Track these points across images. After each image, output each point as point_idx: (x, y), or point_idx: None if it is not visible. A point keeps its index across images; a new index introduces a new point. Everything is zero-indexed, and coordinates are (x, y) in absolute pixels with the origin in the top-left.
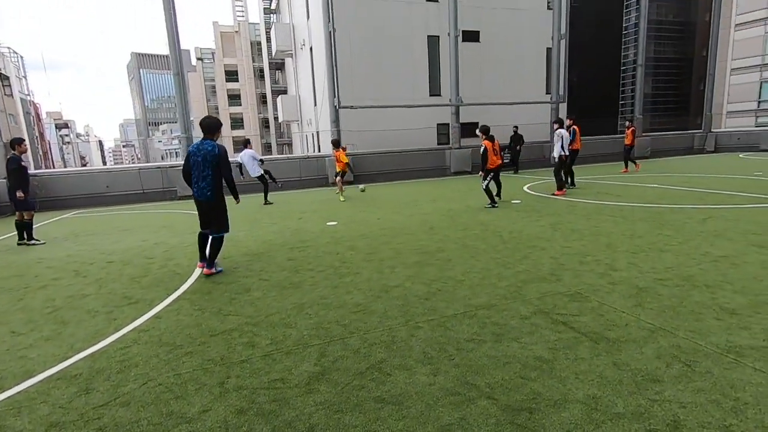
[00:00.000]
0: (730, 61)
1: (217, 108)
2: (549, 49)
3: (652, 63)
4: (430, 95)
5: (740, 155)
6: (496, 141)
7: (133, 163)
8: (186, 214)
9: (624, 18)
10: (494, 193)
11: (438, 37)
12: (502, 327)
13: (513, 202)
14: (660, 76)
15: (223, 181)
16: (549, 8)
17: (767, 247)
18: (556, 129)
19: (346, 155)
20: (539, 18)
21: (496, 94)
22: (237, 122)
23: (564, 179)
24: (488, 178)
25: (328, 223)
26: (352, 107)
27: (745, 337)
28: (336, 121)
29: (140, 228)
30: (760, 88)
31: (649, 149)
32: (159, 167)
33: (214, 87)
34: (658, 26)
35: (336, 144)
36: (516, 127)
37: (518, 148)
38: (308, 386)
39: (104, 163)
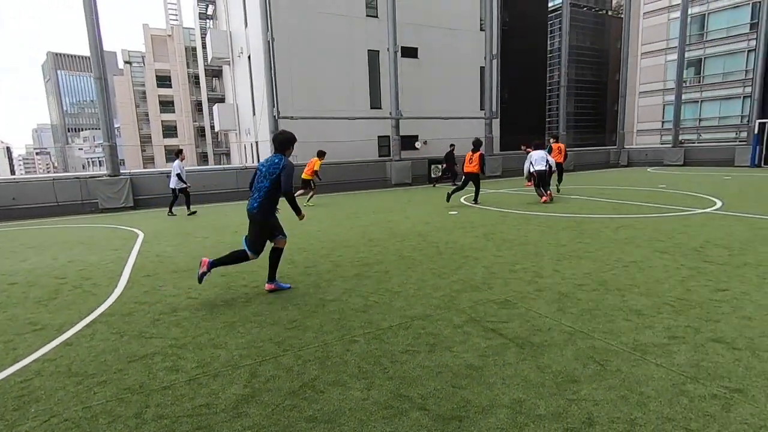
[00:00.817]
0: (639, 85)
1: (147, 115)
2: (482, 68)
3: (573, 84)
4: (371, 108)
5: (648, 170)
6: (478, 152)
7: (48, 171)
8: (109, 229)
9: (549, 42)
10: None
11: (378, 51)
12: (436, 337)
13: (450, 213)
14: (581, 96)
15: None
16: (482, 29)
17: (668, 253)
18: (526, 151)
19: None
20: (473, 38)
21: (435, 108)
22: (170, 130)
23: (544, 185)
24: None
25: None
26: (291, 118)
27: (649, 335)
28: (275, 131)
29: (52, 245)
30: (663, 110)
31: (572, 163)
32: (77, 177)
33: (144, 92)
34: (579, 51)
35: (321, 155)
36: (452, 145)
37: (453, 164)
38: (236, 410)
39: (12, 172)
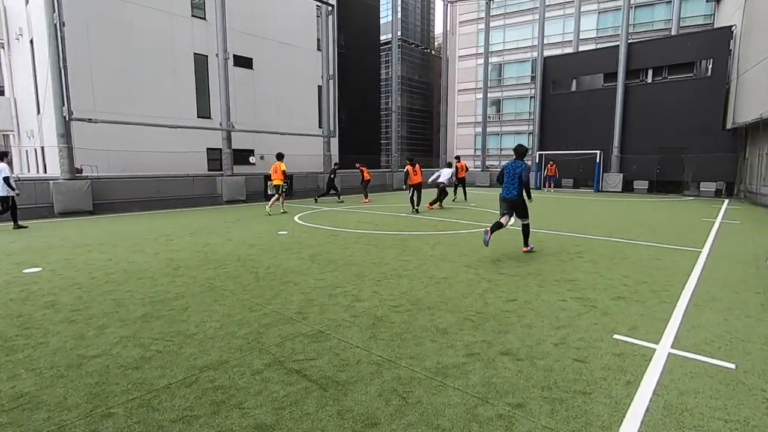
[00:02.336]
0: (456, 117)
1: None
2: (320, 87)
3: (406, 111)
4: (198, 117)
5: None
6: (417, 165)
7: None
8: None
9: (384, 72)
10: (414, 204)
11: (206, 56)
12: (226, 391)
13: (279, 233)
14: (412, 122)
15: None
16: (319, 49)
17: (473, 267)
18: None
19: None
20: (310, 56)
21: (271, 123)
22: None
23: (440, 196)
24: (411, 191)
25: (25, 271)
26: (90, 120)
27: (451, 355)
28: (65, 135)
29: None
30: (475, 139)
31: (404, 183)
32: None
33: None
34: (410, 83)
35: (280, 157)
36: (336, 163)
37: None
38: None
39: None
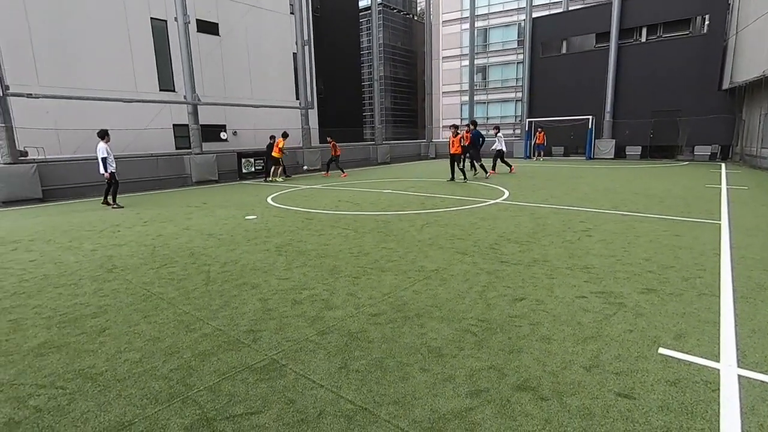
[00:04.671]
0: (441, 85)
1: None
2: (295, 55)
3: (390, 81)
4: (161, 90)
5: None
6: (459, 134)
7: None
8: None
9: (365, 39)
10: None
11: (165, 21)
12: None
13: (247, 218)
14: (397, 92)
15: None
16: (292, 13)
17: (468, 254)
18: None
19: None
20: (282, 20)
21: (242, 94)
22: None
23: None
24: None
25: None
26: (30, 96)
27: (449, 395)
28: (2, 113)
29: None
30: (461, 108)
31: (389, 155)
32: None
33: None
34: (392, 50)
35: (284, 135)
36: (272, 136)
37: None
38: None
39: None
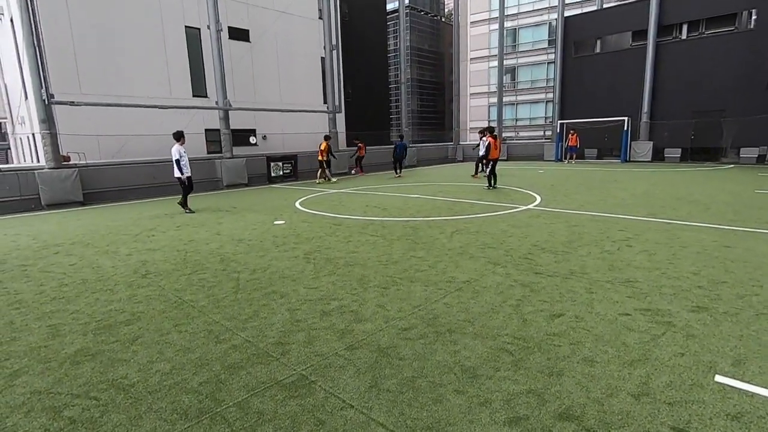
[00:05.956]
0: (469, 87)
1: None
2: (323, 59)
3: (417, 84)
4: (194, 96)
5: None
6: (498, 138)
7: None
8: None
9: (392, 42)
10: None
11: (199, 29)
12: None
13: (275, 223)
14: (423, 95)
15: None
16: (320, 18)
17: (501, 264)
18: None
19: None
20: (311, 25)
21: (271, 99)
22: None
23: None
24: (489, 166)
25: None
26: (72, 104)
27: (486, 421)
28: (47, 120)
29: None
30: (489, 110)
31: (416, 158)
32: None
33: None
34: (419, 53)
35: (326, 138)
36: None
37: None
38: None
39: None
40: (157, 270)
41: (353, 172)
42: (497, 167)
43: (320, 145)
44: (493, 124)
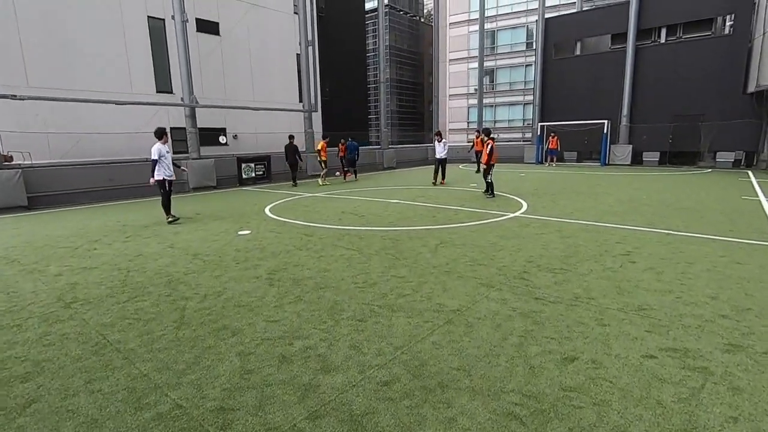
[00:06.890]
0: (448, 88)
1: None
2: (299, 56)
3: (396, 84)
4: (158, 92)
5: (460, 166)
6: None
7: None
8: None
9: (370, 42)
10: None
11: (163, 20)
12: None
13: (239, 233)
14: (403, 96)
15: None
16: (296, 13)
17: (494, 287)
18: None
19: None
20: (286, 20)
21: (243, 97)
22: None
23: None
24: (491, 173)
25: None
26: (13, 97)
27: None
28: None
29: None
30: (468, 111)
31: (395, 160)
32: None
33: None
34: (398, 53)
35: (326, 137)
36: (291, 136)
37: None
38: None
39: None
40: (86, 296)
41: (338, 173)
42: (477, 171)
43: (318, 144)
44: (473, 126)
